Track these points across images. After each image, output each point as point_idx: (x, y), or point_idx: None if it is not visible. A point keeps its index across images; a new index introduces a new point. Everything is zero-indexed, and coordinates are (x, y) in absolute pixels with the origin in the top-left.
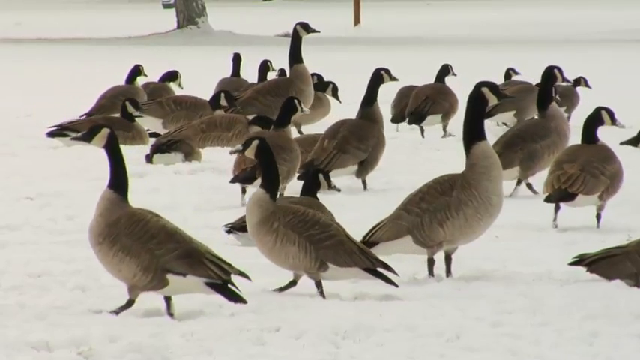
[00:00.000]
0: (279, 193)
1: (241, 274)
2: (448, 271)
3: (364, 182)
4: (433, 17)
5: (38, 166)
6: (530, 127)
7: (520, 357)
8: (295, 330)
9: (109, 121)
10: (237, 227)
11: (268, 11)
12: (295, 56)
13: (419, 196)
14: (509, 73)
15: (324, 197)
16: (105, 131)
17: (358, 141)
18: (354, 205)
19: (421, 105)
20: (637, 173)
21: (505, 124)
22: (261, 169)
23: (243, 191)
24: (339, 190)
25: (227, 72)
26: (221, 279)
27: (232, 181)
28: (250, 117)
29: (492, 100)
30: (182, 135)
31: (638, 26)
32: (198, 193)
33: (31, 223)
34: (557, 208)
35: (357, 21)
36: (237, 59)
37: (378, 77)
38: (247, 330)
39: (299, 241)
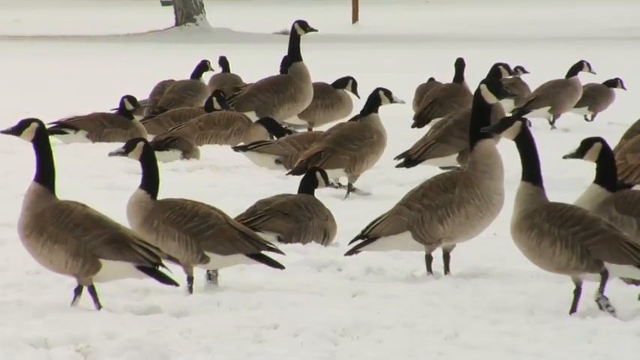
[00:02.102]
0: (352, 182)
1: (170, 258)
2: (446, 269)
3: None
4: (431, 15)
5: None
6: None
7: (518, 355)
8: (294, 327)
9: (107, 119)
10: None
11: (266, 9)
12: (294, 54)
13: (421, 192)
14: (516, 70)
15: (323, 195)
16: (33, 125)
17: (462, 130)
18: (354, 201)
19: (427, 108)
20: None
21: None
22: (142, 168)
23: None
24: (337, 187)
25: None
26: (150, 262)
27: (287, 174)
28: (247, 114)
29: (490, 99)
30: (180, 132)
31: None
32: (197, 190)
33: None
34: None
35: (355, 18)
36: (224, 62)
37: (496, 71)
38: (246, 327)
39: (179, 236)
